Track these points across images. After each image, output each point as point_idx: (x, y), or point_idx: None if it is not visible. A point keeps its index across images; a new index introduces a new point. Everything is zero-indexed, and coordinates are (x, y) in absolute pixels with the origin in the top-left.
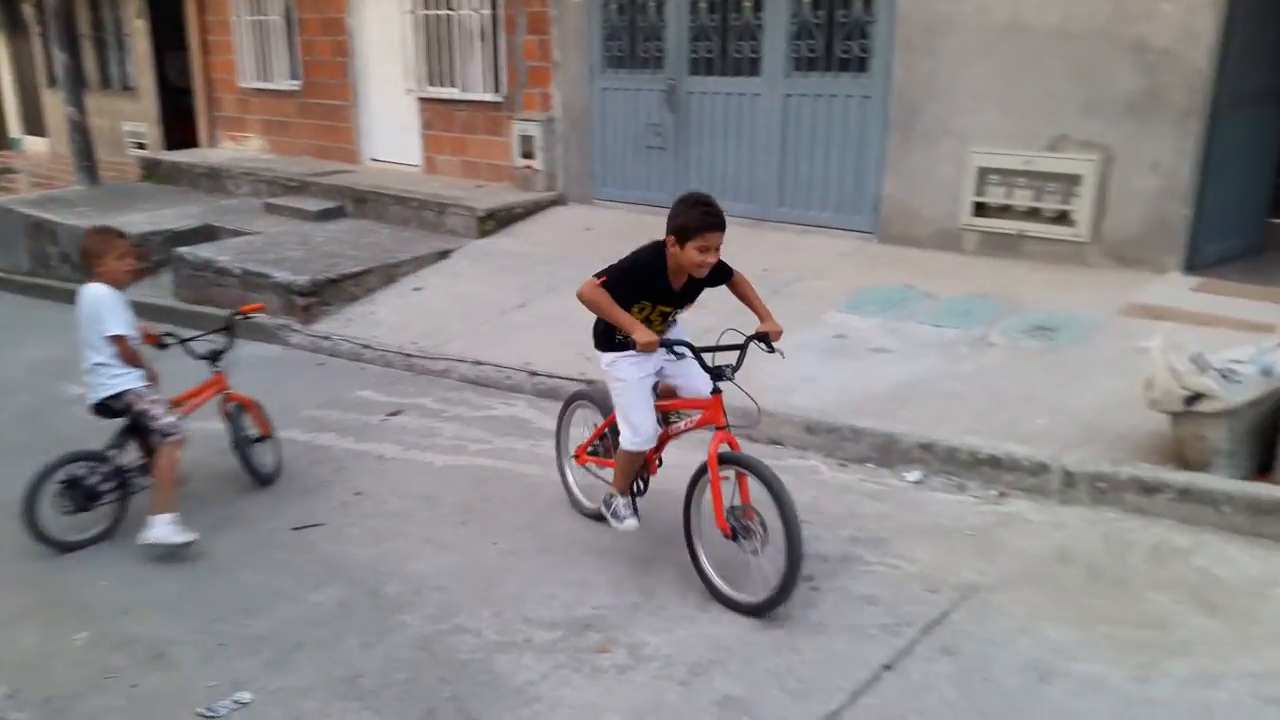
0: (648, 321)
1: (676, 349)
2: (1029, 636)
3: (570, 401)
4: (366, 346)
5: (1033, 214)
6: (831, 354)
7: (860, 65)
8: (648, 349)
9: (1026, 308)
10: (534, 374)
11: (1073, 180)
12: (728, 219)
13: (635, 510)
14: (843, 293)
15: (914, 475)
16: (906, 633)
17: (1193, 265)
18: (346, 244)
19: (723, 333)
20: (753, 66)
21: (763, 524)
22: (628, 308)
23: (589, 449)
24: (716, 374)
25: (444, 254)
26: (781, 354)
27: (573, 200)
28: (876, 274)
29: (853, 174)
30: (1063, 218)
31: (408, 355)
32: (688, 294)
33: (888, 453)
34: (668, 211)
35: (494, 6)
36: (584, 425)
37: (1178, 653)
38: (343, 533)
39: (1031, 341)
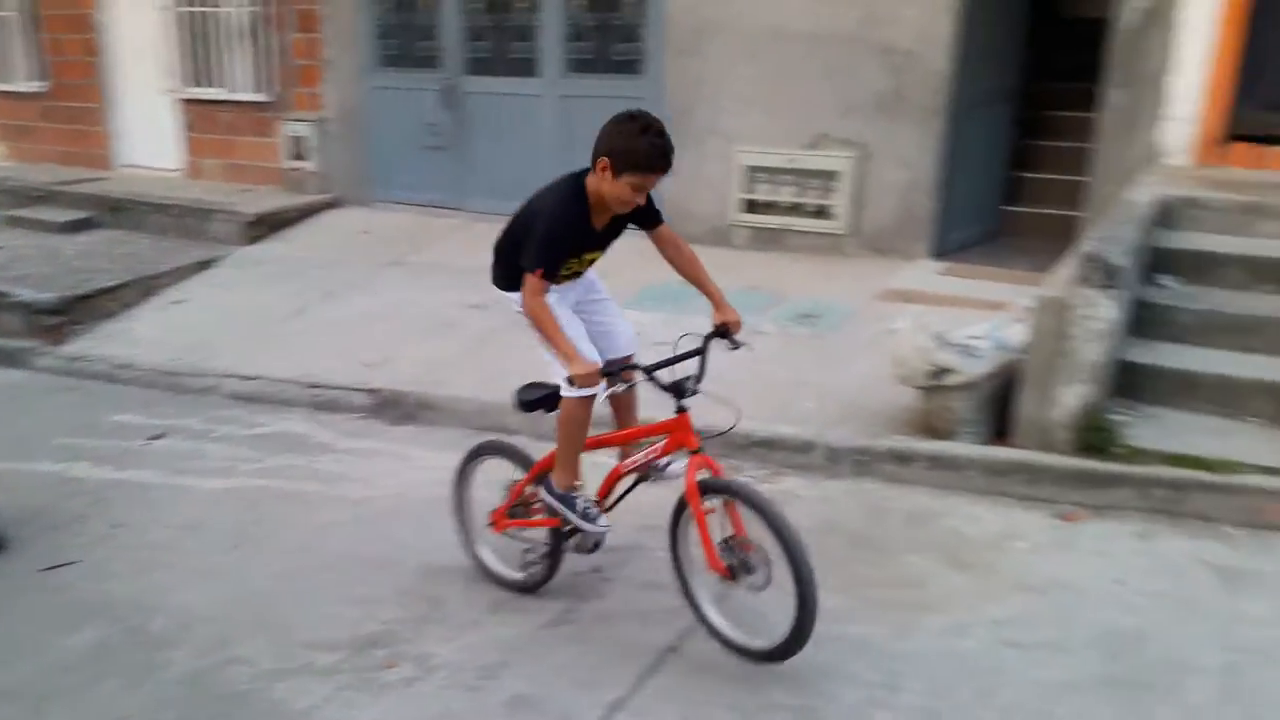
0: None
1: (625, 374)
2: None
3: (472, 457)
4: (124, 366)
5: (797, 209)
6: None
7: (634, 68)
8: (587, 383)
9: (793, 297)
10: (312, 386)
11: (832, 177)
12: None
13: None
14: (629, 289)
15: None
16: (689, 614)
17: (939, 252)
18: (99, 256)
19: (679, 339)
20: (530, 67)
21: (765, 555)
22: (557, 273)
23: (509, 511)
24: (678, 390)
25: (208, 263)
26: (749, 347)
27: (349, 203)
28: (659, 271)
29: None
30: (823, 212)
31: (170, 373)
32: (611, 232)
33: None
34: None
35: (261, 3)
36: (490, 484)
37: (933, 608)
38: (100, 569)
39: (799, 329)
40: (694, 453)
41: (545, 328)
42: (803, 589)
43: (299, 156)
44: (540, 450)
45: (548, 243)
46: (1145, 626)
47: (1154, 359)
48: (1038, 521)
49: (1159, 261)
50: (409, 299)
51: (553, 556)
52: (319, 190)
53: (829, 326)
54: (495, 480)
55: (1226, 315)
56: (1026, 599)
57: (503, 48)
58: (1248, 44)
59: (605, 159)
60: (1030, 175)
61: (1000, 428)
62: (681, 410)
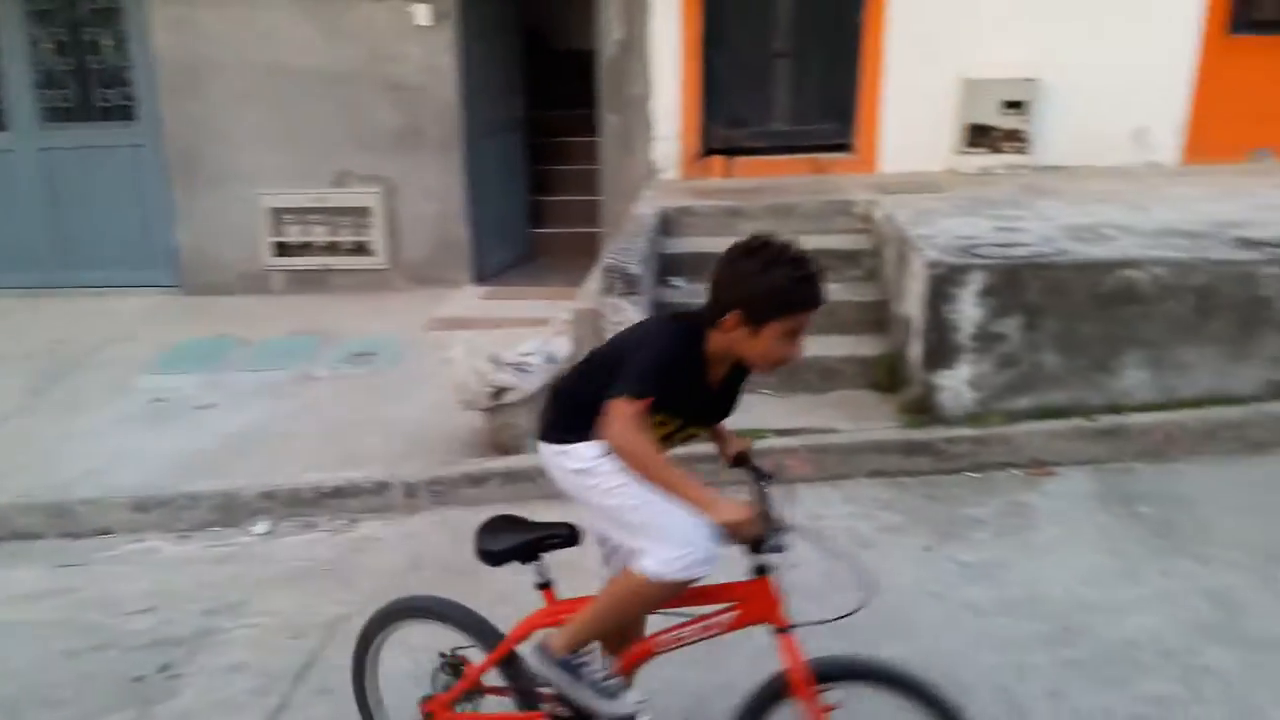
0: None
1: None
2: (400, 647)
3: (384, 622)
4: None
5: (334, 248)
6: (153, 420)
7: (126, 113)
8: (742, 531)
9: (344, 338)
10: None
11: (362, 213)
12: None
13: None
14: (154, 353)
15: (261, 527)
16: (279, 687)
17: (480, 277)
18: None
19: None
20: None
21: None
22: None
23: (457, 702)
24: (758, 544)
25: None
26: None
27: None
28: (188, 327)
29: (140, 227)
30: (362, 248)
31: None
32: (724, 400)
33: (230, 511)
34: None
35: None
36: (403, 661)
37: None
38: None
39: (354, 369)
40: (781, 631)
41: (651, 466)
42: None
43: None
44: (504, 613)
45: (655, 370)
46: None
47: None
48: None
49: (668, 265)
50: None
51: None
52: None
53: (386, 363)
54: (418, 649)
55: None
56: None
57: None
58: (705, 71)
59: (736, 312)
60: (550, 198)
61: None
62: (762, 572)
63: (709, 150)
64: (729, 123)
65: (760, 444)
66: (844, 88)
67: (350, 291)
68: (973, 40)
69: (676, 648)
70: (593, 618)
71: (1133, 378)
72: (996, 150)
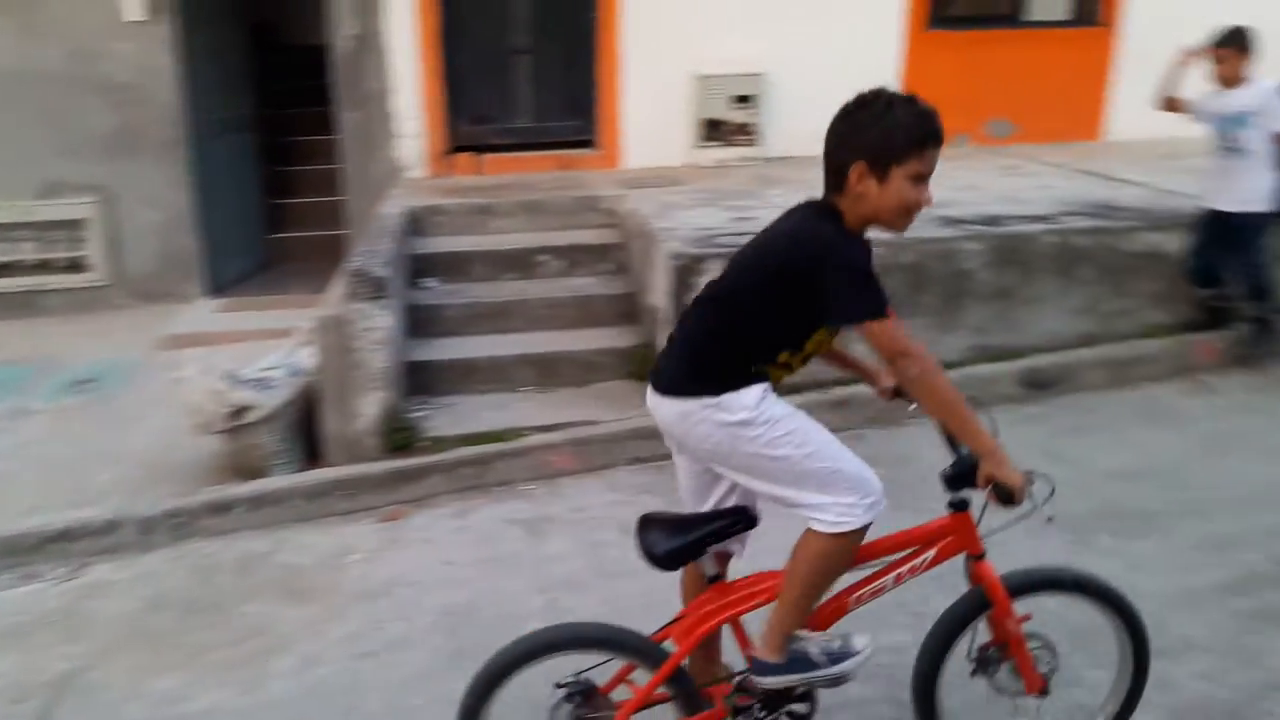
0: (786, 367)
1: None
2: (137, 699)
3: (514, 666)
4: None
5: (44, 266)
6: None
7: None
8: (1017, 496)
9: (62, 365)
10: None
11: (78, 225)
12: None
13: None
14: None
15: None
16: None
17: (214, 289)
18: None
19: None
20: None
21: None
22: (778, 354)
23: None
24: (959, 477)
25: None
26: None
27: None
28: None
29: None
30: (77, 265)
31: None
32: None
33: None
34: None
35: None
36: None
37: (281, 649)
38: None
39: (76, 398)
40: (977, 558)
41: (951, 399)
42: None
43: None
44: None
45: (871, 273)
46: (476, 596)
47: (435, 354)
48: (365, 530)
49: (420, 266)
50: None
51: None
52: None
53: (111, 389)
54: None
55: (483, 304)
56: (369, 607)
57: None
58: (446, 66)
59: (860, 164)
60: (289, 201)
61: (312, 450)
62: (961, 506)
63: (456, 147)
64: (474, 120)
65: (522, 442)
66: (584, 85)
67: (66, 313)
68: (703, 37)
69: (875, 599)
70: (793, 605)
71: (857, 351)
72: (729, 144)
